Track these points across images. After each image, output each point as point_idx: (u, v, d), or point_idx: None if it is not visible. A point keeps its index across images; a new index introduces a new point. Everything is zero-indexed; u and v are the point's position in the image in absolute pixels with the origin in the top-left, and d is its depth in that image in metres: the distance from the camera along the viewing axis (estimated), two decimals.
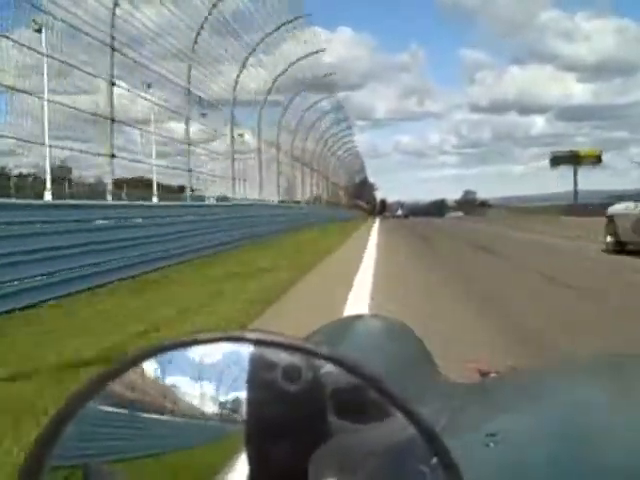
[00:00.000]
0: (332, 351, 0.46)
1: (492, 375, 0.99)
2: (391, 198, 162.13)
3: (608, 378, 0.84)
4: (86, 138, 12.15)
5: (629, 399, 0.72)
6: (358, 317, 1.12)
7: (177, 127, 18.91)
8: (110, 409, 0.46)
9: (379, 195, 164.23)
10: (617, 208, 10.74)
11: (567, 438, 0.62)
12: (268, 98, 25.34)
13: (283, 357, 0.47)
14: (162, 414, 0.47)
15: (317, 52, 26.47)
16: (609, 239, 10.77)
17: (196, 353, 0.46)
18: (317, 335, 1.00)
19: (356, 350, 0.86)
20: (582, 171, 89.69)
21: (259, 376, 0.47)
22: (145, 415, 0.47)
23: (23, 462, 0.43)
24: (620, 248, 9.96)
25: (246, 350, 0.46)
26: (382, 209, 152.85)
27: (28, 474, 0.42)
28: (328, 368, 0.47)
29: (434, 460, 0.43)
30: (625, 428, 0.63)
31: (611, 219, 10.61)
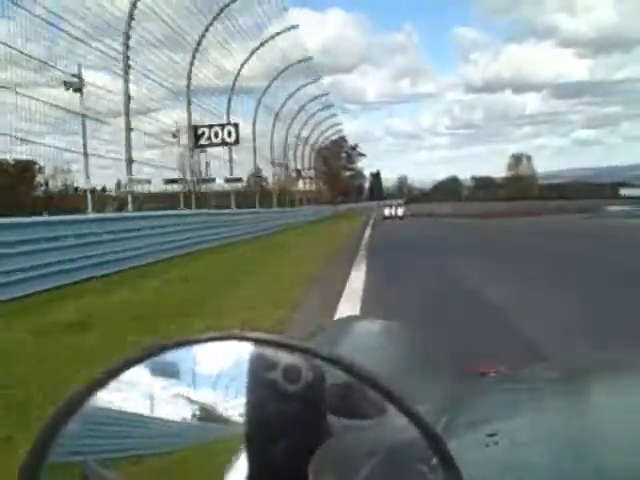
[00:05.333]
0: (332, 352, 0.46)
1: (492, 375, 0.99)
2: (387, 175, 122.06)
3: (608, 378, 0.83)
4: None
5: (629, 399, 0.72)
6: (357, 318, 1.12)
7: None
8: (110, 408, 0.46)
9: (368, 167, 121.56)
10: (386, 205, 57.00)
11: (567, 438, 0.62)
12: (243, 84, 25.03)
13: (283, 357, 0.47)
14: (162, 413, 0.47)
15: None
16: (383, 214, 50.82)
17: (197, 352, 0.46)
18: (316, 336, 1.00)
19: (356, 351, 0.86)
20: (574, 149, 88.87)
21: (260, 376, 0.47)
22: (145, 414, 0.47)
23: (23, 459, 0.43)
24: (385, 217, 48.46)
25: (247, 350, 0.46)
26: (377, 191, 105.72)
27: (28, 471, 0.42)
28: (328, 369, 0.47)
29: (434, 460, 0.43)
30: (625, 429, 0.63)
31: (382, 209, 53.54)
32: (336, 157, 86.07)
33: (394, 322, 1.08)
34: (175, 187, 21.81)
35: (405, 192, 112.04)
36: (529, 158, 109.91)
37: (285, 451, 0.47)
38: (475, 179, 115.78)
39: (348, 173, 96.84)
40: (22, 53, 11.46)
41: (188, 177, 23.02)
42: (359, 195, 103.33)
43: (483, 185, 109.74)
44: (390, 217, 48.25)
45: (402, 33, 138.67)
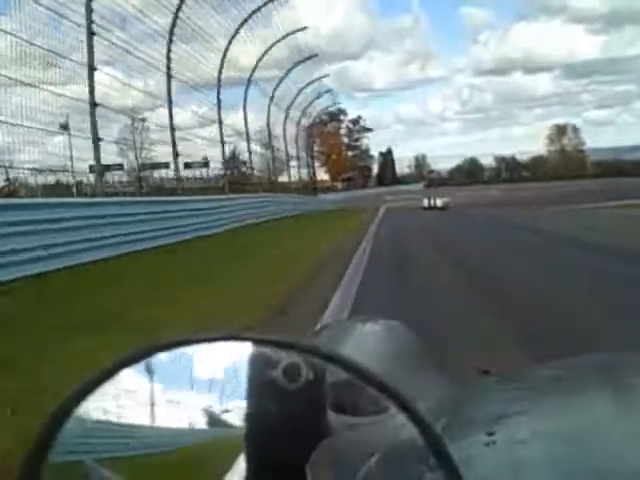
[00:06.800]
0: (332, 350, 0.47)
1: (492, 375, 0.99)
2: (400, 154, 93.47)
3: (608, 378, 0.83)
4: None
5: (629, 399, 0.72)
6: (358, 319, 1.12)
7: None
8: (110, 406, 0.46)
9: (375, 145, 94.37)
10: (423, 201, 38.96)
11: (567, 438, 0.62)
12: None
13: (284, 356, 0.48)
14: (162, 412, 0.47)
15: None
16: (422, 205, 37.54)
17: (198, 352, 0.46)
18: (317, 337, 1.01)
19: (356, 351, 0.86)
20: (587, 128, 77.95)
21: (260, 375, 0.48)
22: (145, 413, 0.47)
23: (23, 458, 0.43)
24: (424, 208, 36.43)
25: (247, 349, 0.47)
26: (388, 175, 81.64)
27: (28, 471, 0.43)
28: (328, 367, 0.48)
29: (433, 459, 0.43)
30: (624, 428, 0.64)
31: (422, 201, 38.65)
32: (333, 134, 68.37)
33: (395, 322, 1.05)
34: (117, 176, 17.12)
35: (425, 175, 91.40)
36: (575, 129, 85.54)
37: (285, 449, 0.48)
38: (502, 158, 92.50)
39: (350, 153, 76.54)
40: (32, 44, 11.71)
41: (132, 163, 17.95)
42: (366, 179, 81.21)
43: (510, 166, 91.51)
44: (430, 208, 35.41)
45: (409, 15, 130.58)
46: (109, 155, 16.87)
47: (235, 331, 0.46)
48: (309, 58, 33.97)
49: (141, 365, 0.45)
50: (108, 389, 0.44)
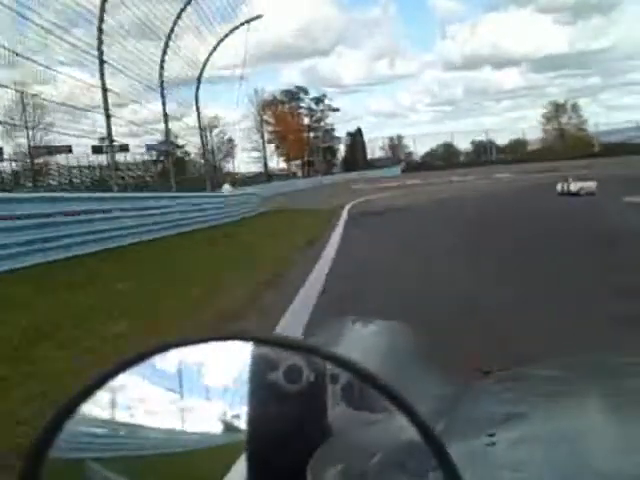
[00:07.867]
0: (332, 351, 0.47)
1: (492, 375, 1.00)
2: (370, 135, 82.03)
3: (607, 379, 0.84)
4: None
5: (627, 400, 0.73)
6: (357, 319, 1.12)
7: None
8: (111, 407, 0.46)
9: (343, 129, 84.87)
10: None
11: (566, 438, 0.63)
12: None
13: (285, 357, 0.48)
14: (163, 413, 0.47)
15: None
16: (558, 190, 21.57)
17: (198, 352, 0.46)
18: (316, 336, 1.01)
19: (356, 351, 0.87)
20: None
21: (261, 377, 0.48)
22: (146, 414, 0.47)
23: (24, 458, 0.43)
24: (562, 193, 21.22)
25: (248, 350, 0.47)
26: (358, 158, 69.33)
27: (29, 470, 0.43)
28: (329, 368, 0.48)
29: (433, 460, 0.43)
30: (623, 429, 0.64)
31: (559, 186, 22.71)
32: (291, 113, 61.48)
33: (394, 322, 1.06)
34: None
35: (403, 158, 79.03)
36: (575, 107, 73.77)
37: (287, 451, 0.48)
38: (478, 142, 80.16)
39: (312, 134, 65.95)
40: None
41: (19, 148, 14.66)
42: (330, 163, 69.52)
43: (490, 149, 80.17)
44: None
45: (379, 8, 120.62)
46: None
47: (237, 331, 0.45)
48: (255, 19, 30.88)
49: (143, 366, 0.45)
50: (110, 389, 0.44)
